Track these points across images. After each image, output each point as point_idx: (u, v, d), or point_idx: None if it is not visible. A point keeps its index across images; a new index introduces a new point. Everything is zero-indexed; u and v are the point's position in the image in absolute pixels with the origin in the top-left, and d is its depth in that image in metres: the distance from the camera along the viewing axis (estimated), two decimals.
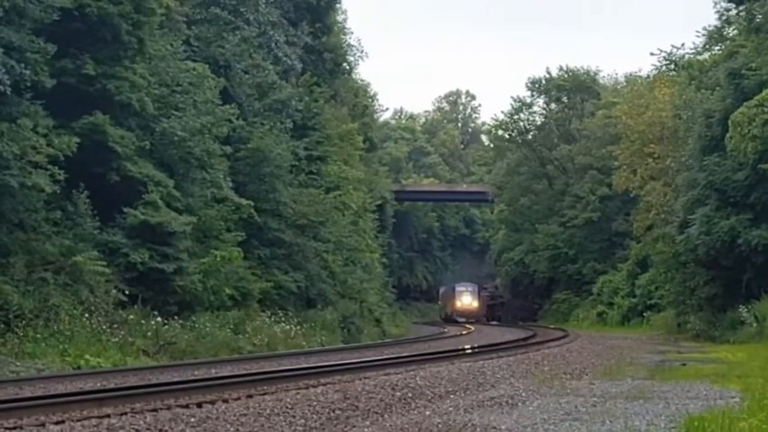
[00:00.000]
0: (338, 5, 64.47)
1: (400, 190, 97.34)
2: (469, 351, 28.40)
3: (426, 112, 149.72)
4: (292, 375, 16.81)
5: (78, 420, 10.92)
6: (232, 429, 10.87)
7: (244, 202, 36.55)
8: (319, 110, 50.92)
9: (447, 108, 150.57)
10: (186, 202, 32.47)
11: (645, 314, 56.77)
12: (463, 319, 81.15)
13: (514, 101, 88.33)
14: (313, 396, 13.58)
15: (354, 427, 11.52)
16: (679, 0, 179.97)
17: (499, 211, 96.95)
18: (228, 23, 42.51)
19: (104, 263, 26.88)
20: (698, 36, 57.52)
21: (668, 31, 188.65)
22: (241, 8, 44.44)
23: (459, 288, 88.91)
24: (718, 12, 49.15)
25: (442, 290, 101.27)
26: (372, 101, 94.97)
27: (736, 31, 48.33)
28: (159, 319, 27.58)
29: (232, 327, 31.35)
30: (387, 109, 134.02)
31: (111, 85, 29.42)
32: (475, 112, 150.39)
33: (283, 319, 35.96)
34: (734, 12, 47.52)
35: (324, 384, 15.45)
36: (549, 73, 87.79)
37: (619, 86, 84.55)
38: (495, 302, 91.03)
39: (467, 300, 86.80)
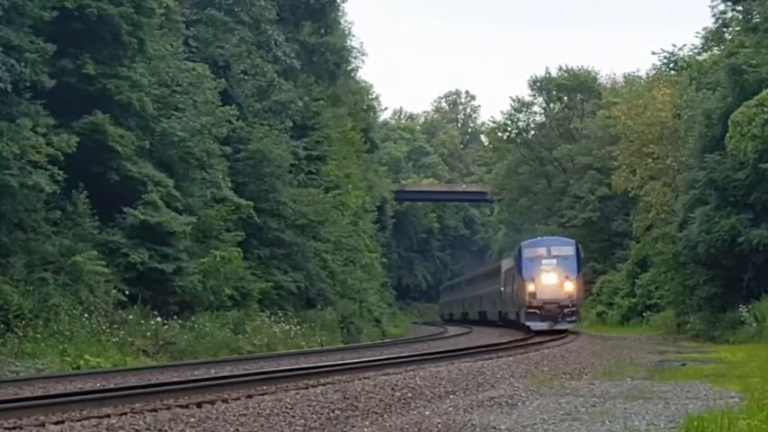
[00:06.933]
0: (337, 4, 64.39)
1: (400, 190, 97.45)
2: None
3: (426, 112, 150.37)
4: (292, 375, 16.77)
5: (78, 420, 10.90)
6: (232, 429, 10.86)
7: (243, 202, 36.60)
8: (319, 110, 50.94)
9: (447, 108, 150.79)
10: (186, 202, 32.50)
11: (644, 314, 56.63)
12: (545, 324, 41.91)
13: (513, 101, 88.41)
14: (312, 396, 13.56)
15: (354, 427, 11.51)
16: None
17: (499, 211, 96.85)
18: (224, 24, 42.50)
19: (104, 263, 26.93)
20: (697, 37, 57.55)
21: (668, 31, 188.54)
22: (236, 8, 44.43)
23: (536, 249, 44.07)
24: (714, 15, 49.16)
25: (505, 266, 53.26)
26: (374, 101, 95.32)
27: (734, 33, 48.27)
28: (159, 319, 27.62)
29: (232, 327, 31.38)
30: (386, 108, 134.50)
31: (110, 85, 29.47)
32: (474, 112, 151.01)
33: (283, 319, 35.98)
34: (731, 13, 47.49)
35: (323, 384, 15.42)
36: (549, 73, 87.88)
37: (618, 86, 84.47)
38: None
39: (553, 279, 42.79)
